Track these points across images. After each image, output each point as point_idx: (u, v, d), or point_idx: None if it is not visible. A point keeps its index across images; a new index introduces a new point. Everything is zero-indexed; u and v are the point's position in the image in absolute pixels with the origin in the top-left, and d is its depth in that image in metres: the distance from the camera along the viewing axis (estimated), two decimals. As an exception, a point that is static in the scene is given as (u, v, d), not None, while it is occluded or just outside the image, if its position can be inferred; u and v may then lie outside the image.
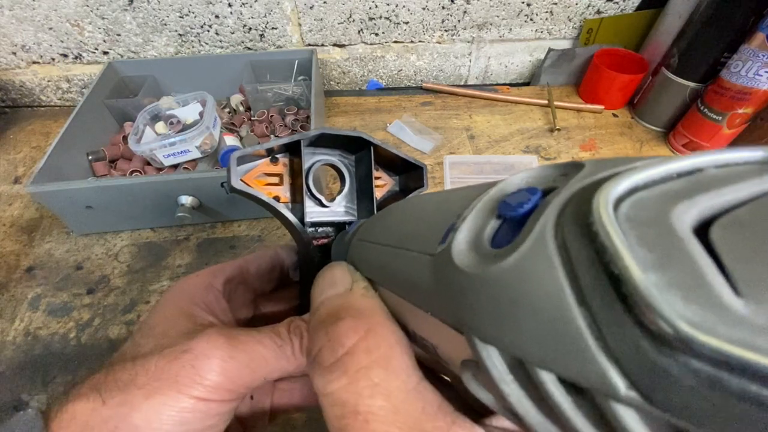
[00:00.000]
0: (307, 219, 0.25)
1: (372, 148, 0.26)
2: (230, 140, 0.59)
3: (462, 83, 0.81)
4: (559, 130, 0.68)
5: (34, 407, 0.17)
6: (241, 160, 0.24)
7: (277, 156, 0.25)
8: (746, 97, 0.53)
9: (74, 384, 0.19)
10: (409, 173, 0.29)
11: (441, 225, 0.12)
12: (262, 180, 0.25)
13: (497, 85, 0.79)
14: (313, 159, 0.26)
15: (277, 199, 0.25)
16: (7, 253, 0.53)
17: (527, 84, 0.80)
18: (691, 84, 0.60)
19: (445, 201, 0.14)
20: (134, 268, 0.51)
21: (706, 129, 0.58)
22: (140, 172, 0.57)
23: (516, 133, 0.68)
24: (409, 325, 0.15)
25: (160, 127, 0.58)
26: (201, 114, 0.59)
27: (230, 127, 0.65)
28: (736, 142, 0.59)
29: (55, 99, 0.76)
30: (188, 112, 0.60)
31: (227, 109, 0.69)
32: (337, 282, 0.17)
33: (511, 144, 0.67)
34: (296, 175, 0.26)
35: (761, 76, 0.50)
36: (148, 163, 0.58)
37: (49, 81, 0.73)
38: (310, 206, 0.26)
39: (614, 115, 0.71)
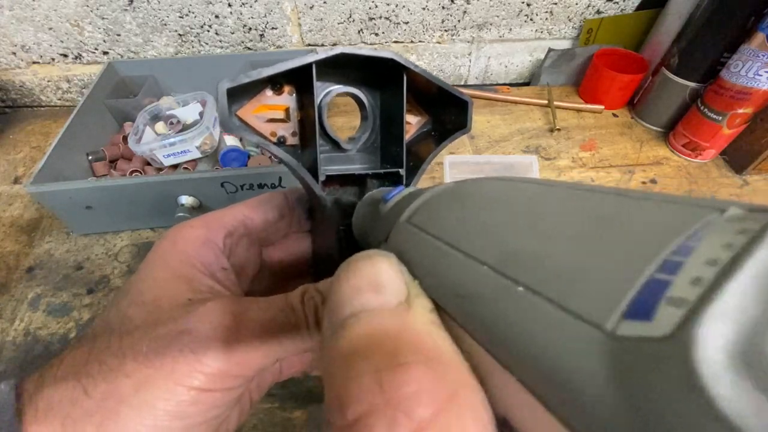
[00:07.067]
0: (321, 168, 0.20)
1: (405, 76, 0.20)
2: (230, 140, 0.59)
3: (462, 83, 0.81)
4: (559, 130, 0.68)
5: (8, 383, 0.15)
6: (235, 94, 0.18)
7: (282, 83, 0.20)
8: (746, 97, 0.53)
9: (50, 360, 0.16)
10: (446, 109, 0.23)
11: (616, 269, 0.07)
12: (265, 114, 0.20)
13: (497, 85, 0.79)
14: (327, 88, 0.20)
15: (281, 141, 0.20)
16: (7, 253, 0.53)
17: (527, 84, 0.80)
18: (691, 84, 0.60)
19: (613, 215, 0.08)
20: (134, 268, 0.51)
21: (706, 129, 0.58)
22: (140, 172, 0.57)
23: (516, 133, 0.68)
24: (496, 402, 0.09)
25: (160, 127, 0.58)
26: (201, 114, 0.59)
27: (230, 127, 0.65)
28: (736, 141, 0.59)
29: (55, 99, 0.76)
30: (188, 112, 0.60)
31: (227, 109, 0.69)
32: (384, 286, 0.11)
33: (511, 144, 0.67)
34: (306, 108, 0.20)
35: (761, 76, 0.50)
36: (148, 163, 0.58)
37: (49, 81, 0.73)
38: (324, 150, 0.21)
39: (614, 115, 0.71)
